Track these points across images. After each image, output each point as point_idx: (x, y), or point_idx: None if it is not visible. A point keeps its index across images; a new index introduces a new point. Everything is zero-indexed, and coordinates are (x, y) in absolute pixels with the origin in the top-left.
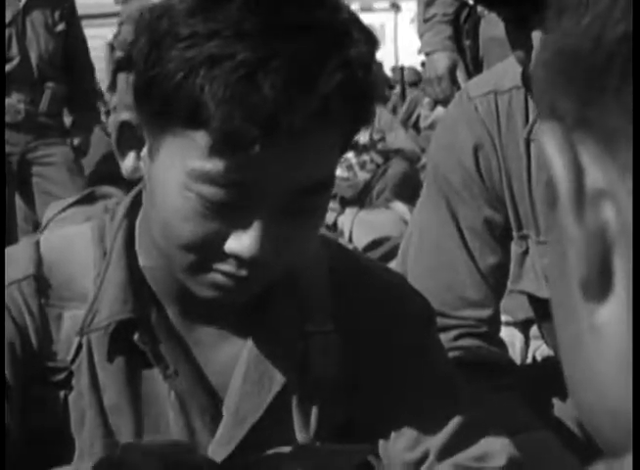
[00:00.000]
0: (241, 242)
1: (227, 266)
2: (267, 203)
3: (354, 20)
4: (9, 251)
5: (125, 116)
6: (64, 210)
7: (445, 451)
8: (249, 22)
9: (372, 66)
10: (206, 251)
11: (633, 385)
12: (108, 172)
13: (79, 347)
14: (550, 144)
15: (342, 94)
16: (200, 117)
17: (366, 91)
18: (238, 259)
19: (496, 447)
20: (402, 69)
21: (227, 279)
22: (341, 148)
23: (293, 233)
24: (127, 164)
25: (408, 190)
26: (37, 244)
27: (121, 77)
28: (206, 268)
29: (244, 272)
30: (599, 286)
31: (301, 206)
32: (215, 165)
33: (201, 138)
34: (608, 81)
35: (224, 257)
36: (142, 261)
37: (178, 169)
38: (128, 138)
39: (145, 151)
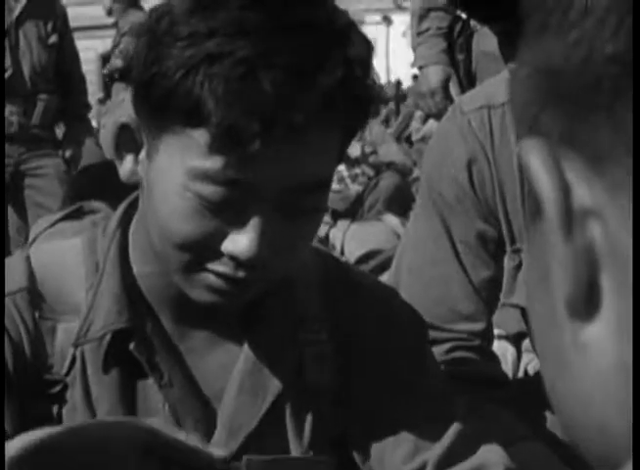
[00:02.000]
0: (238, 243)
1: (223, 267)
2: (265, 201)
3: (353, 25)
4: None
5: (124, 118)
6: (52, 225)
7: (443, 463)
8: (249, 20)
9: (370, 66)
10: (203, 250)
11: (633, 399)
12: (84, 187)
13: (73, 359)
14: (535, 160)
15: (341, 91)
16: (199, 115)
17: (365, 90)
18: (234, 260)
19: (493, 459)
20: (398, 83)
21: (222, 281)
22: (339, 149)
23: (289, 235)
24: (125, 167)
25: (400, 203)
26: (28, 258)
27: (116, 87)
28: (202, 269)
29: (240, 274)
30: (585, 305)
31: (299, 206)
32: (215, 163)
33: (200, 136)
34: (598, 100)
35: (220, 257)
36: (136, 269)
37: (177, 169)
38: (127, 141)
39: (143, 154)
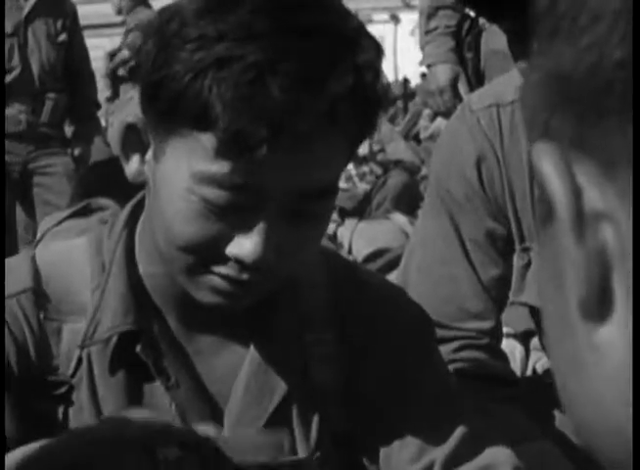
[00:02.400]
0: (243, 246)
1: (228, 270)
2: (271, 206)
3: (363, 28)
4: (5, 263)
5: (131, 118)
6: (59, 223)
7: (450, 463)
8: (259, 24)
9: (380, 72)
10: (207, 253)
11: (633, 403)
12: (93, 184)
13: (79, 360)
14: (547, 165)
15: (350, 98)
16: (207, 119)
17: (374, 96)
18: (239, 263)
19: (500, 458)
20: (405, 81)
21: (227, 283)
22: (347, 155)
23: (295, 239)
24: (131, 167)
25: (408, 201)
26: (33, 258)
27: (125, 86)
28: (206, 271)
29: (245, 276)
30: (599, 307)
31: (305, 211)
32: (221, 168)
33: (207, 140)
34: (609, 105)
35: (225, 260)
36: (143, 269)
37: (183, 172)
38: (133, 141)
39: (150, 154)
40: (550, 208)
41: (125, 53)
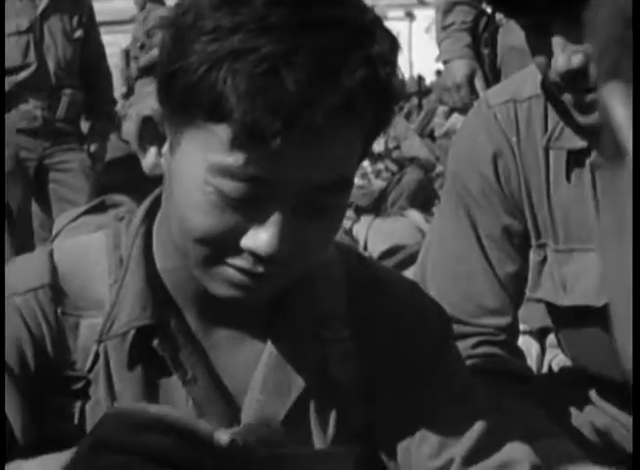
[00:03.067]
0: (258, 238)
1: (243, 262)
2: (286, 199)
3: (379, 21)
4: (22, 259)
5: (148, 111)
6: (75, 219)
7: (470, 459)
8: (274, 16)
9: (395, 65)
10: (223, 245)
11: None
12: (111, 181)
13: (97, 355)
14: (617, 105)
15: (364, 90)
16: (221, 111)
17: (388, 89)
18: (254, 256)
19: (519, 455)
20: (420, 78)
21: (242, 276)
22: (362, 149)
23: (310, 232)
24: (148, 159)
25: (423, 198)
26: (51, 253)
27: (143, 80)
28: (221, 263)
29: (260, 269)
30: None
31: (320, 204)
32: (236, 159)
33: (222, 131)
34: None
35: (240, 252)
36: (160, 264)
37: (198, 164)
38: (150, 134)
39: (166, 147)
40: (619, 147)
41: (154, 53)
